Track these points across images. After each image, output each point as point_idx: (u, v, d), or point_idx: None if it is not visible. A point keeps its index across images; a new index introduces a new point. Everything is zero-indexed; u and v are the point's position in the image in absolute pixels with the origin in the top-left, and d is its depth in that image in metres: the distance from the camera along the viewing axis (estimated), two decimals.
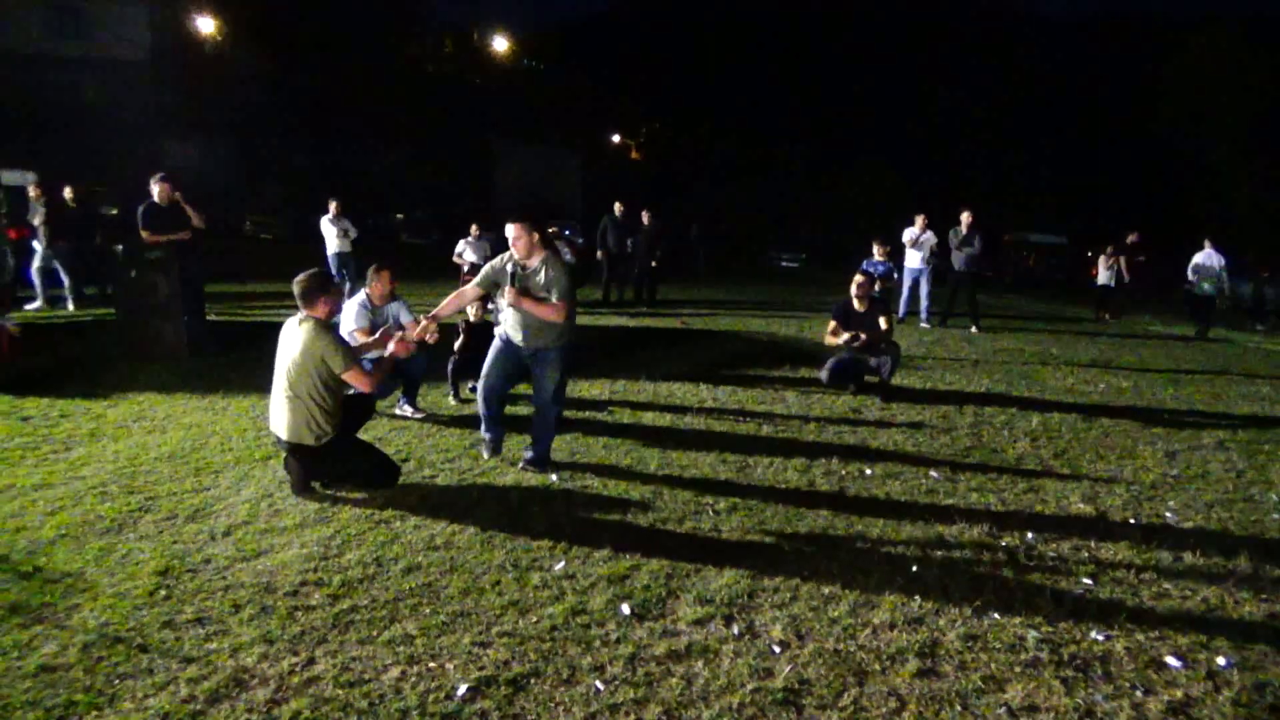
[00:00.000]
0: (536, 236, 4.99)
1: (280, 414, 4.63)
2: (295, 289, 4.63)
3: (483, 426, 5.47)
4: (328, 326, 4.66)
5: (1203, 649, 3.37)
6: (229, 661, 3.02)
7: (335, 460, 4.73)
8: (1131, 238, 17.29)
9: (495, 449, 5.47)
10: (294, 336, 4.62)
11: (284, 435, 4.62)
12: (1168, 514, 4.98)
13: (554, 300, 4.97)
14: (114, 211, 19.81)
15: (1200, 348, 13.02)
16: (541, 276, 5.00)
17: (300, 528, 4.24)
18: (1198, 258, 14.99)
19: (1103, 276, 17.42)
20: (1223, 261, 14.81)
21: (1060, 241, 35.07)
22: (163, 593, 3.50)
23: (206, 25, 36.94)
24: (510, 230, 4.98)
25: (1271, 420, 7.63)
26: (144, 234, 8.54)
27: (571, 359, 5.31)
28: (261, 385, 7.16)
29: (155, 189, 8.73)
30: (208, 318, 9.73)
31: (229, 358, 8.36)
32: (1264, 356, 12.47)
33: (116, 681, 2.88)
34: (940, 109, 47.55)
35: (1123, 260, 16.84)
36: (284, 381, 4.59)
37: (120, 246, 8.56)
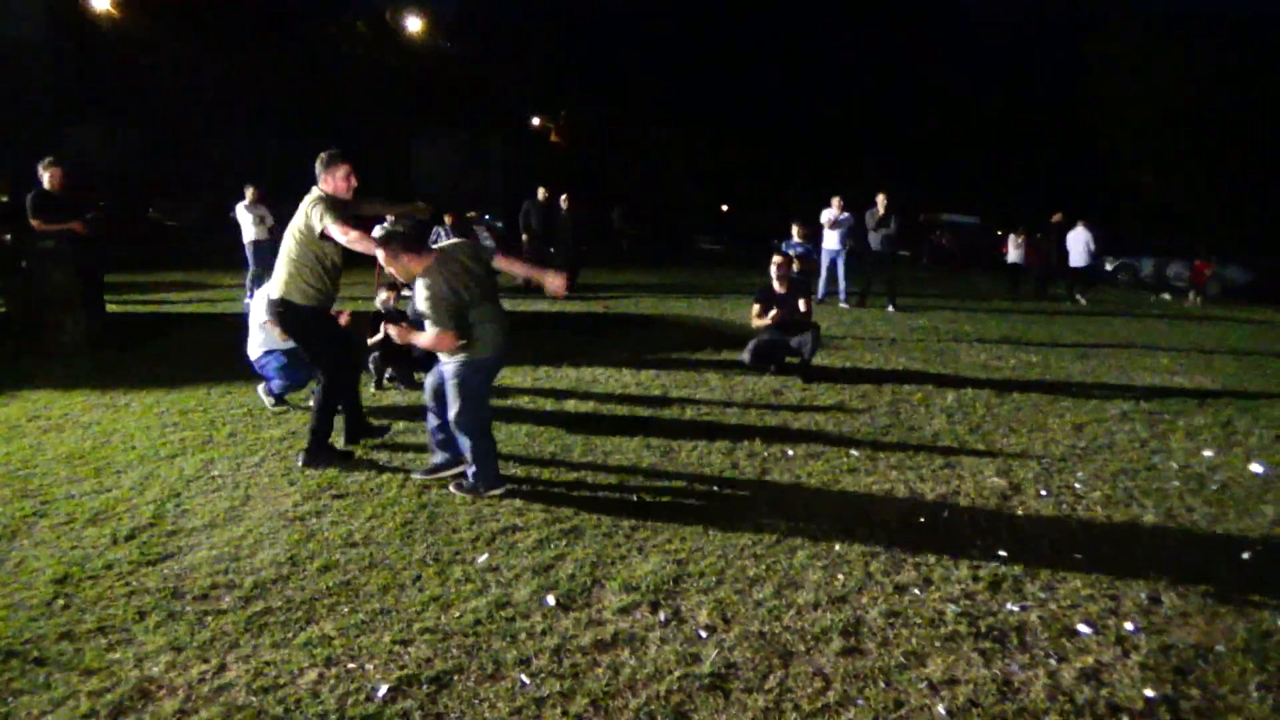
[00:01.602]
0: (407, 259, 4.38)
1: (278, 276, 4.93)
2: (318, 161, 4.94)
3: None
4: (326, 198, 4.83)
5: (1112, 615, 3.49)
6: (133, 672, 2.88)
7: (315, 334, 4.99)
8: (1055, 218, 17.92)
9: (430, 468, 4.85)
10: (302, 204, 4.91)
11: (276, 292, 4.91)
12: (1077, 485, 5.15)
13: (428, 329, 4.38)
14: (3, 199, 18.80)
15: (1105, 322, 13.56)
16: (417, 295, 4.41)
17: (209, 528, 4.07)
18: (1071, 235, 17.04)
19: (1012, 255, 18.05)
20: (1089, 238, 16.82)
21: (973, 222, 35.98)
22: (61, 602, 3.32)
23: (103, 1, 35.14)
24: (379, 255, 4.47)
25: (1172, 391, 7.97)
26: (34, 223, 8.08)
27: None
28: (166, 380, 6.92)
29: (45, 175, 8.24)
30: (108, 309, 9.28)
31: (131, 352, 8.00)
32: (1164, 330, 13.04)
33: (10, 699, 2.72)
34: (858, 94, 48.15)
35: (1052, 239, 17.82)
36: (286, 243, 4.91)
37: (9, 236, 8.11)
